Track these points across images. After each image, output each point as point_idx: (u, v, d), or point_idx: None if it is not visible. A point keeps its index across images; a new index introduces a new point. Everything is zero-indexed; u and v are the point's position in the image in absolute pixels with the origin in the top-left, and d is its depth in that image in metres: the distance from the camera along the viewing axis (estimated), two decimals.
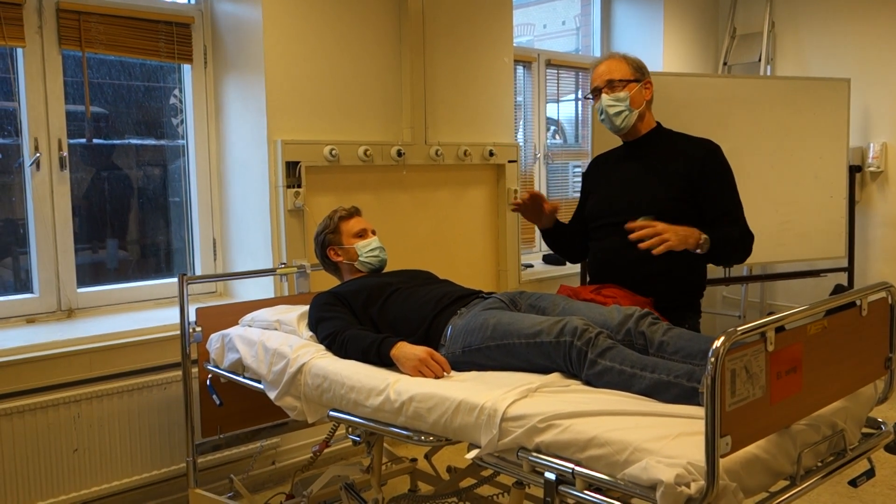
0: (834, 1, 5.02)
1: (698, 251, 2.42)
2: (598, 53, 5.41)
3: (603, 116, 2.61)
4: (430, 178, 3.95)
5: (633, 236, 2.34)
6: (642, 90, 2.60)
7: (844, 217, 4.53)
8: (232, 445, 3.03)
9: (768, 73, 5.24)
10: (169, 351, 3.06)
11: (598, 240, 2.69)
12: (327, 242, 2.82)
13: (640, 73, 2.61)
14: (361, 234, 2.81)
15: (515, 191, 4.26)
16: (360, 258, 2.77)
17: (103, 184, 3.39)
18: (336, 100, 3.55)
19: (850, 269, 4.69)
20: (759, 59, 5.25)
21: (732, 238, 2.51)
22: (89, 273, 3.34)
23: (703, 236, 2.41)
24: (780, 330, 1.51)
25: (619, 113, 2.58)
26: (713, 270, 4.63)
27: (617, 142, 2.78)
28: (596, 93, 2.63)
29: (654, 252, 2.31)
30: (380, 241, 2.84)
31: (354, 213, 2.89)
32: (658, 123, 2.67)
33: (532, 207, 2.77)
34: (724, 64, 5.42)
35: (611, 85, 2.58)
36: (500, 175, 4.24)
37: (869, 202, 4.97)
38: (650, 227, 2.34)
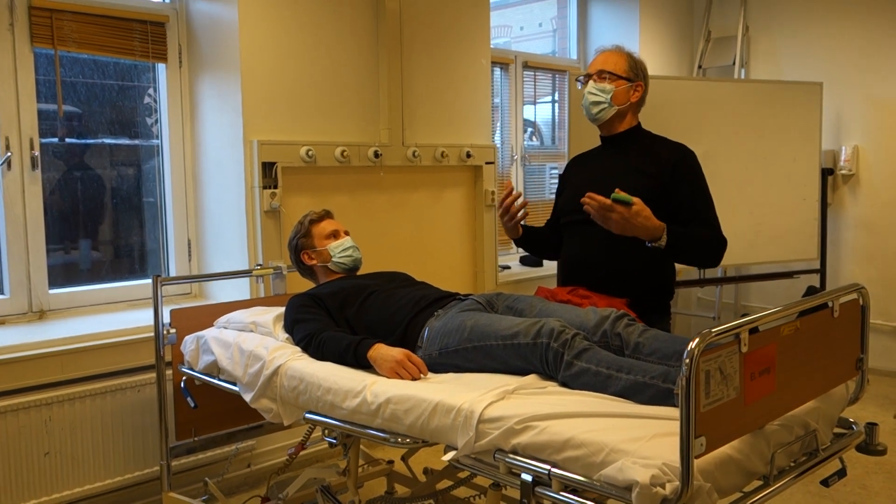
0: (807, 6, 5.09)
1: (649, 244, 2.39)
2: (574, 56, 5.44)
3: (584, 102, 2.62)
4: (408, 180, 3.94)
5: (584, 201, 2.34)
6: (630, 91, 2.59)
7: (817, 219, 4.59)
8: (207, 448, 3.00)
9: (742, 77, 5.30)
10: (142, 353, 3.02)
11: (569, 237, 2.70)
12: (300, 247, 2.81)
13: (634, 73, 2.60)
14: (334, 235, 2.81)
15: (493, 192, 4.27)
16: (333, 259, 2.76)
17: (76, 183, 3.35)
18: (313, 100, 3.54)
19: (822, 271, 4.75)
20: (734, 63, 5.30)
21: (697, 237, 2.46)
22: (61, 274, 3.29)
23: (663, 240, 2.37)
24: (753, 331, 1.53)
25: (598, 103, 2.57)
26: (689, 272, 4.69)
27: (594, 144, 2.79)
28: (586, 78, 2.63)
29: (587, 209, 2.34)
30: (353, 241, 2.83)
31: (325, 215, 2.88)
32: (639, 124, 2.69)
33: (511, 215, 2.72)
34: (699, 67, 5.48)
35: (601, 75, 2.58)
36: (478, 176, 4.24)
37: (841, 204, 5.04)
38: (610, 205, 2.32)
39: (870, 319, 1.94)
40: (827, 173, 4.79)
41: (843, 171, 4.98)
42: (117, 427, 3.02)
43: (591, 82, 2.59)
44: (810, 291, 4.63)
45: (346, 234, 2.84)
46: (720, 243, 2.51)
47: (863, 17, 4.86)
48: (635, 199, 2.33)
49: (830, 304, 1.79)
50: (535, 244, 2.87)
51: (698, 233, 2.48)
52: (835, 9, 4.97)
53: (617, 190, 2.32)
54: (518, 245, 2.89)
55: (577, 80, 2.70)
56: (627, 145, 2.64)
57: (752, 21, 5.36)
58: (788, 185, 4.51)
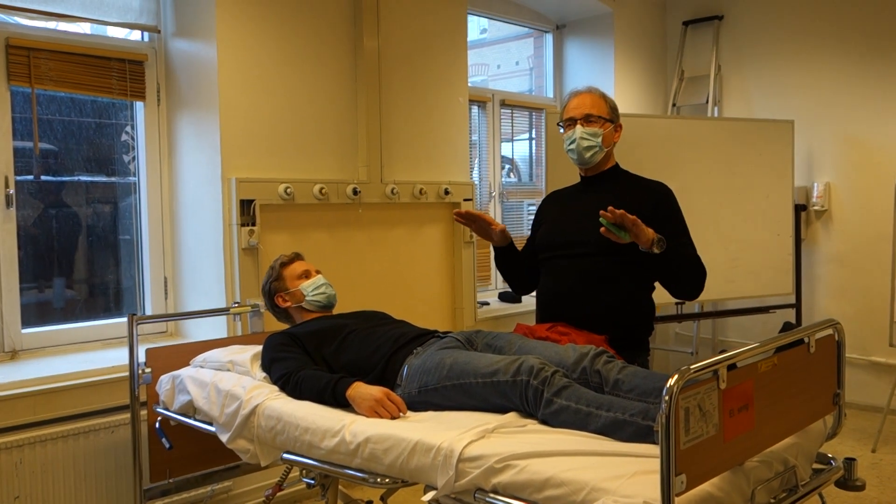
0: (777, 46, 5.21)
1: (654, 250, 2.36)
2: (550, 94, 5.51)
3: (573, 146, 2.60)
4: (386, 217, 3.95)
5: (604, 214, 2.29)
6: (613, 132, 2.64)
7: (791, 254, 4.65)
8: (182, 490, 2.95)
9: (716, 115, 5.40)
10: (117, 393, 2.98)
11: (548, 273, 2.70)
12: (273, 291, 2.80)
13: (614, 114, 2.64)
14: (305, 275, 2.80)
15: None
16: (307, 298, 2.75)
17: (51, 221, 3.32)
18: (291, 138, 3.55)
19: (797, 306, 4.80)
20: (707, 101, 5.40)
21: (687, 255, 2.51)
22: (35, 313, 3.25)
23: (658, 236, 2.36)
24: (731, 368, 1.54)
25: (591, 148, 2.58)
26: (667, 307, 4.72)
27: (571, 180, 2.81)
28: (570, 123, 2.62)
29: (607, 218, 2.28)
30: (325, 278, 2.82)
31: (295, 257, 2.88)
32: (617, 163, 2.72)
33: (478, 226, 2.75)
34: (674, 105, 5.57)
35: (588, 119, 2.59)
36: None
37: (814, 240, 5.11)
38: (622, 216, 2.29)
39: (845, 354, 1.96)
40: (800, 209, 4.86)
41: (816, 207, 5.06)
42: (90, 469, 2.96)
43: (578, 127, 2.59)
44: (786, 327, 4.67)
45: (318, 272, 2.84)
46: (704, 271, 2.56)
47: (831, 58, 4.98)
48: (632, 218, 2.31)
49: (806, 339, 1.81)
50: (512, 264, 2.84)
51: (688, 251, 2.53)
52: (804, 49, 5.09)
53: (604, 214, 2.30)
54: (497, 254, 2.83)
55: (558, 124, 2.71)
56: (608, 184, 2.67)
57: (723, 61, 5.47)
58: (763, 221, 4.57)
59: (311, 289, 2.77)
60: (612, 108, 2.65)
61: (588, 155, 2.60)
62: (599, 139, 2.59)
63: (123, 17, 3.38)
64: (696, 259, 2.55)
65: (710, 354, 1.52)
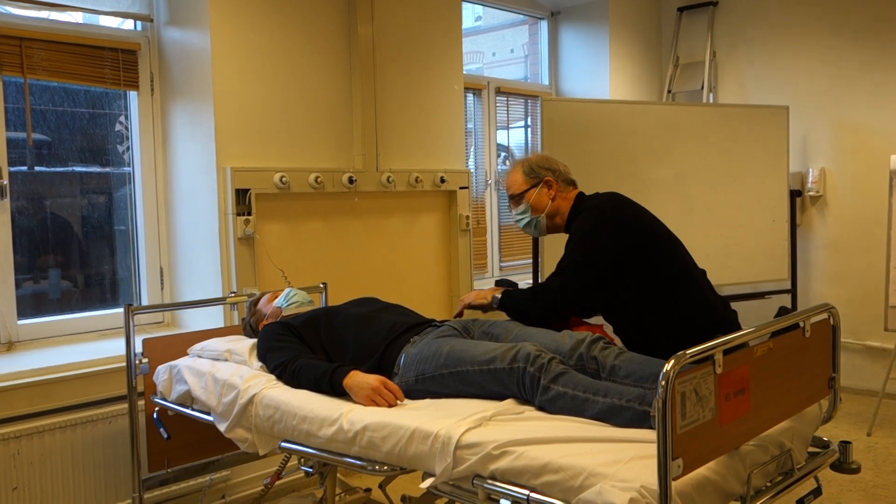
0: (771, 32, 5.20)
1: (494, 306, 2.51)
2: (546, 81, 5.50)
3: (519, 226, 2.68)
4: (382, 205, 3.94)
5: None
6: (542, 191, 2.57)
7: (787, 240, 4.66)
8: (180, 479, 2.96)
9: (711, 101, 5.39)
10: (114, 384, 2.98)
11: None
12: (255, 322, 2.82)
13: (534, 176, 2.57)
14: (274, 296, 2.84)
15: (467, 217, 4.28)
16: (284, 308, 2.76)
17: (45, 212, 3.31)
18: (286, 127, 3.54)
19: (793, 291, 4.81)
20: (702, 88, 5.39)
21: (518, 297, 2.52)
22: (30, 304, 3.24)
23: (496, 296, 2.51)
24: (727, 352, 1.54)
25: (528, 224, 2.62)
26: None
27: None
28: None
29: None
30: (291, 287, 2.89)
31: (261, 295, 2.92)
32: (577, 198, 2.58)
33: None
34: (669, 92, 5.56)
35: (513, 199, 2.63)
36: (452, 201, 4.26)
37: (810, 225, 5.12)
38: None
39: (841, 338, 1.97)
40: (795, 195, 4.86)
41: (811, 193, 5.06)
42: (88, 460, 2.96)
43: (512, 210, 2.65)
44: (782, 312, 4.67)
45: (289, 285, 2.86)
46: (540, 295, 2.46)
47: (825, 43, 4.97)
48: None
49: (802, 324, 1.82)
50: None
51: (521, 293, 2.55)
52: (798, 35, 5.08)
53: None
54: None
55: (508, 207, 2.74)
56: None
57: (718, 47, 5.46)
58: (758, 207, 4.58)
59: (284, 299, 2.80)
60: (529, 172, 2.58)
61: (530, 230, 2.66)
62: (529, 213, 2.60)
63: (116, 6, 3.36)
64: (529, 295, 2.50)
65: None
